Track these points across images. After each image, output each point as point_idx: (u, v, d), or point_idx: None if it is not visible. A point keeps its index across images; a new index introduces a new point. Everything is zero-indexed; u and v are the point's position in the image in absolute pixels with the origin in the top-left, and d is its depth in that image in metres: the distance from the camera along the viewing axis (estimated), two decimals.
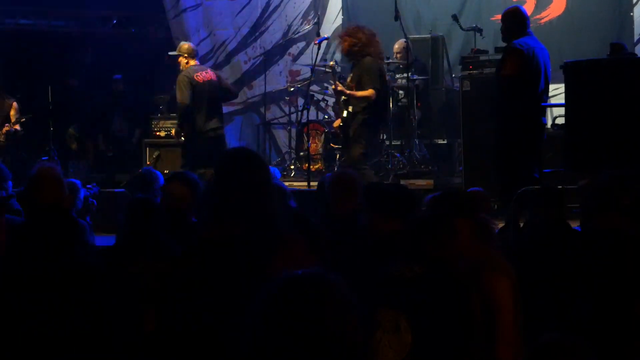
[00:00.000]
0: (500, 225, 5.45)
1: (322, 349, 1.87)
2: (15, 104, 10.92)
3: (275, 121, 12.60)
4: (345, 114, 8.93)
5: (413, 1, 11.90)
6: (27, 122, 10.93)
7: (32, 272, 3.42)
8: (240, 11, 12.70)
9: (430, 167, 10.43)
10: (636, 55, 9.16)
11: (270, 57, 12.41)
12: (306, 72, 11.82)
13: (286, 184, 8.19)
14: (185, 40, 10.59)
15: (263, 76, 12.11)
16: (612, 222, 3.87)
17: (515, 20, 7.77)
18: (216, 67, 12.77)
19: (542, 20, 11.14)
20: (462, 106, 9.20)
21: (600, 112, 6.81)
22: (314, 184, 8.57)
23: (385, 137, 10.30)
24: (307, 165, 10.17)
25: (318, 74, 11.21)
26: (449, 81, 11.16)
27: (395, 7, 10.06)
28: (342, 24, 12.21)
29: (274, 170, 8.64)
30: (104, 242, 5.72)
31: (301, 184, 9.82)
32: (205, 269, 3.15)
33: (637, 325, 3.60)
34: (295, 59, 12.58)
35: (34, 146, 11.53)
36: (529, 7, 10.87)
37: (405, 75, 10.32)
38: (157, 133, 11.48)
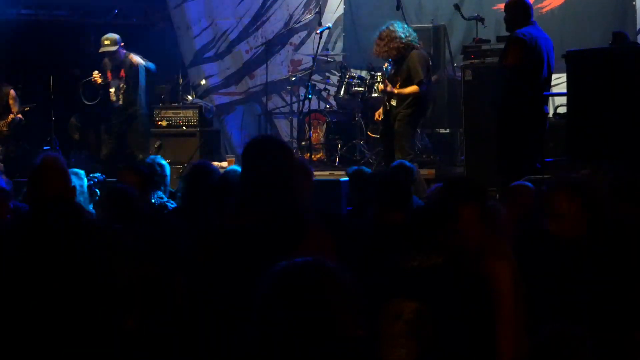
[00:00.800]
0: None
1: (321, 335, 1.88)
2: (12, 91, 10.92)
3: (277, 111, 12.60)
4: (388, 106, 8.96)
5: None
6: (28, 112, 10.93)
7: (37, 263, 3.43)
8: (241, 1, 12.68)
9: (432, 157, 10.44)
10: (638, 44, 9.15)
11: (272, 46, 12.39)
12: (308, 62, 11.82)
13: None
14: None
15: (264, 66, 12.09)
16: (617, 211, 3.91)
17: (518, 10, 7.75)
18: (218, 56, 12.78)
19: (544, 10, 11.12)
20: (464, 96, 9.20)
21: (603, 101, 6.81)
22: (317, 173, 8.58)
23: None
24: (308, 154, 10.18)
25: (319, 64, 11.20)
26: (450, 71, 11.15)
27: None
28: (344, 13, 12.21)
29: None
30: None
31: None
32: (225, 257, 3.13)
33: (637, 315, 3.62)
34: (297, 48, 12.57)
35: (35, 136, 11.52)
36: None
37: None
38: (159, 122, 11.49)
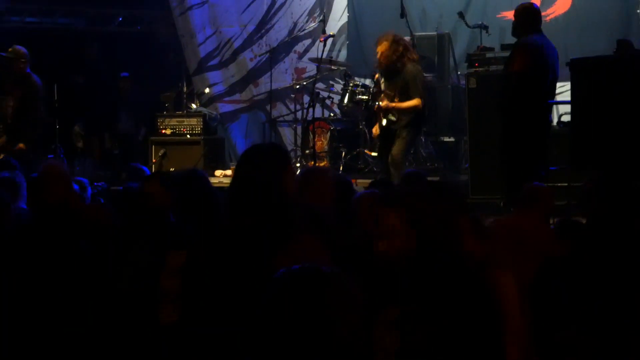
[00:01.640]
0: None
1: (321, 343, 1.86)
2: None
3: (281, 119, 12.60)
4: (384, 122, 8.68)
5: None
6: None
7: (40, 269, 3.43)
8: (246, 8, 12.70)
9: (436, 165, 10.43)
10: None
11: (276, 54, 12.40)
12: (312, 70, 11.82)
13: None
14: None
15: (269, 74, 12.10)
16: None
17: (528, 16, 7.74)
18: (222, 64, 12.79)
19: (548, 17, 11.10)
20: (468, 103, 9.18)
21: (607, 110, 6.79)
22: None
23: None
24: (312, 162, 10.17)
25: (323, 72, 11.20)
26: (454, 78, 11.14)
27: (401, 4, 10.06)
28: (348, 22, 12.22)
29: None
30: None
31: None
32: (216, 258, 3.14)
33: None
34: (301, 56, 12.58)
35: (39, 144, 11.52)
36: None
37: None
38: (163, 131, 11.50)
